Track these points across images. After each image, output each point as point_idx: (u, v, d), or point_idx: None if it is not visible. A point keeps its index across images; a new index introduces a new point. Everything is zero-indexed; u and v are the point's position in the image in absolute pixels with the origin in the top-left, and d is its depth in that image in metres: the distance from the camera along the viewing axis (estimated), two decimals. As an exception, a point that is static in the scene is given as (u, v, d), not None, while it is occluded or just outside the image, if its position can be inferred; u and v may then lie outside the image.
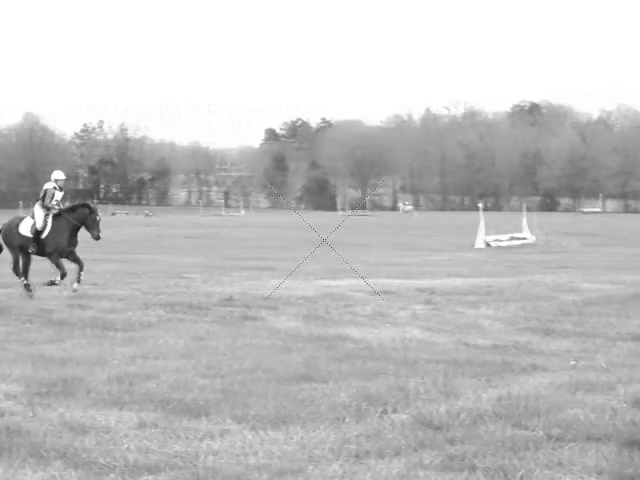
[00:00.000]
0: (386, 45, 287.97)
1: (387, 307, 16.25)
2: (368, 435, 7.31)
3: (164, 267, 28.44)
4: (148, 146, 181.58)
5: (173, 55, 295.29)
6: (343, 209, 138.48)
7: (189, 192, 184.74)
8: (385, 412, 8.03)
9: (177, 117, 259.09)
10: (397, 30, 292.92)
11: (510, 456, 6.67)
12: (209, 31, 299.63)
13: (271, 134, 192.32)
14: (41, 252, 17.95)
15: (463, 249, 42.68)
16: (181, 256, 36.49)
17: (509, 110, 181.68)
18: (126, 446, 7.00)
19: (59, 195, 18.04)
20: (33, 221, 17.86)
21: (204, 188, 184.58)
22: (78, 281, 17.66)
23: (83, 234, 18.18)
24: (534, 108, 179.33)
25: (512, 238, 48.24)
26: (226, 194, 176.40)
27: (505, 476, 6.31)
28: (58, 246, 17.69)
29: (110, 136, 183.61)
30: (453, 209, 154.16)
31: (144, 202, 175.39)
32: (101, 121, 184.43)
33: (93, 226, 17.85)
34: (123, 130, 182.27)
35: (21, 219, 18.30)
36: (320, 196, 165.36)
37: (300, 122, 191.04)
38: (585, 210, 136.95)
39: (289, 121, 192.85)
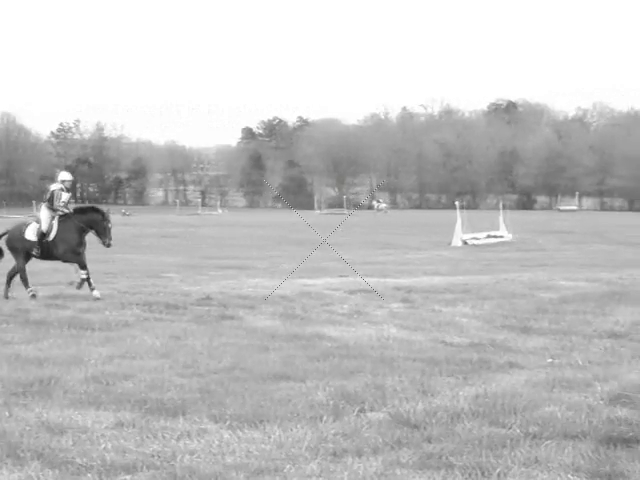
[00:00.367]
0: (363, 44, 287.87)
1: (364, 306, 16.27)
2: (345, 434, 7.32)
3: (141, 266, 28.36)
4: (125, 145, 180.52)
5: (148, 55, 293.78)
6: (320, 208, 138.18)
7: (166, 191, 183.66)
8: (362, 411, 8.05)
9: (151, 117, 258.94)
10: (374, 29, 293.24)
11: (487, 454, 6.70)
12: (185, 30, 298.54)
13: (248, 133, 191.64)
14: (47, 255, 17.71)
15: (440, 247, 42.75)
16: (158, 255, 36.37)
17: (486, 108, 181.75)
18: (103, 446, 6.99)
19: (66, 196, 17.77)
20: (39, 225, 17.60)
21: (181, 187, 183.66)
22: (84, 284, 17.39)
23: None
24: (510, 106, 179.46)
25: (489, 236, 48.39)
26: (203, 193, 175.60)
27: (482, 474, 6.33)
28: (69, 245, 17.40)
29: (86, 135, 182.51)
30: (430, 207, 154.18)
31: (121, 201, 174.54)
32: (77, 120, 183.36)
33: (105, 233, 17.51)
34: (99, 129, 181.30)
35: (27, 224, 17.93)
36: (297, 195, 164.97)
37: (277, 121, 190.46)
38: (562, 208, 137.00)
39: (266, 120, 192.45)
